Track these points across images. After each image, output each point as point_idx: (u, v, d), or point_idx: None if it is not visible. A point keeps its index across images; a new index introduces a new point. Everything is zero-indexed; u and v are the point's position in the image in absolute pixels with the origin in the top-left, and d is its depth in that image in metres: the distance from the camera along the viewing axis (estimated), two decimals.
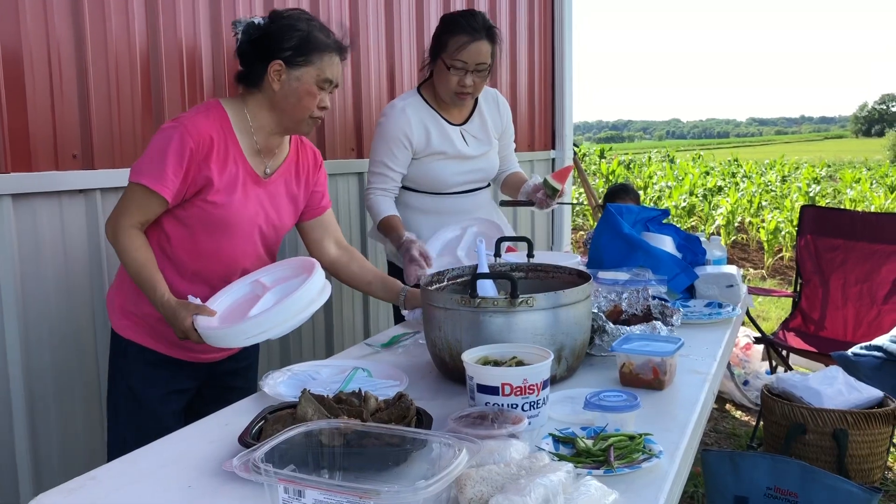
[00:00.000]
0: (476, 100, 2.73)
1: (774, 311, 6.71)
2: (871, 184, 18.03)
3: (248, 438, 1.31)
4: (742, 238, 11.30)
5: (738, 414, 4.25)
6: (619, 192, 4.37)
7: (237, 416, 1.54)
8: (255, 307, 1.79)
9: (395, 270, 2.78)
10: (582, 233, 9.71)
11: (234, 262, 1.98)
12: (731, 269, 2.57)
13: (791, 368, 3.93)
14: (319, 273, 1.81)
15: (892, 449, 3.37)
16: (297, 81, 1.90)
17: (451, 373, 1.72)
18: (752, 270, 9.21)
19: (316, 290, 1.77)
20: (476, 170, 2.72)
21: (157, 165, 1.81)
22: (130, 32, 2.41)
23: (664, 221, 2.80)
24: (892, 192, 15.50)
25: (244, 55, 1.95)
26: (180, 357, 2.00)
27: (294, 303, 1.72)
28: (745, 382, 4.31)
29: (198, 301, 1.81)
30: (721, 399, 4.37)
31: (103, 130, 2.34)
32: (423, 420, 1.37)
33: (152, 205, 1.84)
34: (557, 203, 2.60)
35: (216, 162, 1.87)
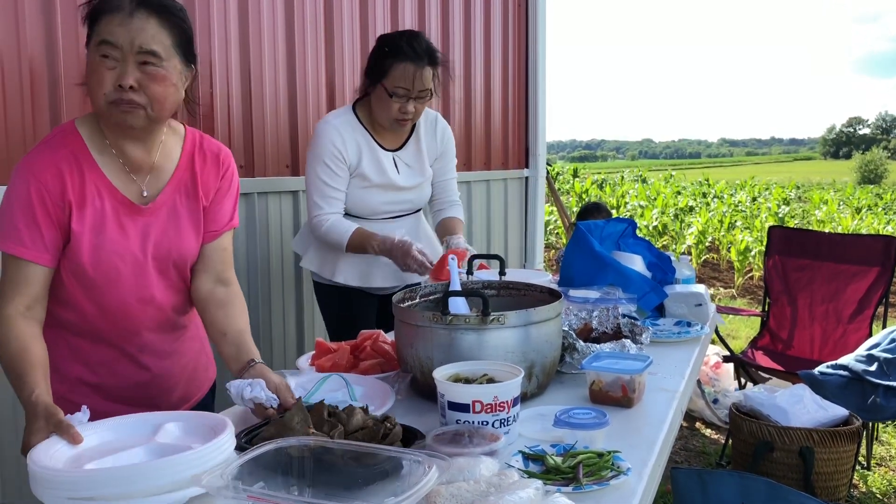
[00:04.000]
0: (414, 124, 2.60)
1: (744, 330, 6.79)
2: (839, 205, 18.38)
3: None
4: (713, 257, 11.43)
5: (707, 432, 4.29)
6: (592, 211, 4.42)
7: None
8: (108, 460, 1.22)
9: (321, 290, 2.70)
10: (555, 251, 9.77)
11: (144, 307, 1.67)
12: (700, 288, 2.60)
13: (756, 383, 3.98)
14: (212, 451, 1.20)
15: (856, 466, 3.43)
16: (87, 63, 1.53)
17: (422, 389, 1.73)
18: (722, 289, 9.31)
19: (187, 469, 1.13)
20: (405, 200, 2.62)
21: (9, 225, 1.53)
22: (21, 36, 2.25)
23: (637, 234, 2.84)
24: (857, 214, 15.80)
25: None
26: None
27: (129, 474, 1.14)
28: (715, 401, 4.35)
29: (84, 417, 1.32)
30: (691, 417, 4.40)
31: None
32: (415, 436, 1.38)
33: (28, 274, 1.52)
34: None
35: (73, 195, 1.55)
